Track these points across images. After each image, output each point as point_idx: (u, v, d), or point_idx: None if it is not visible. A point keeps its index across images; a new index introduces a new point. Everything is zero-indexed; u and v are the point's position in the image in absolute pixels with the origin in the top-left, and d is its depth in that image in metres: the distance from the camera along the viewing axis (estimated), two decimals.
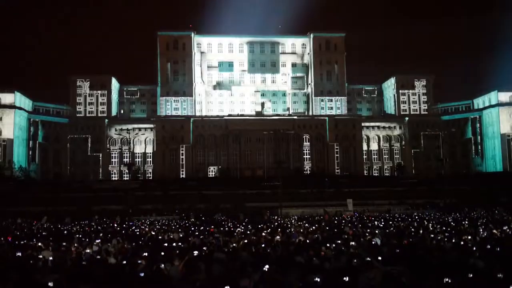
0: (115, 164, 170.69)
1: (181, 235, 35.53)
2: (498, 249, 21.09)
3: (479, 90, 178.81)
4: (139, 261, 19.37)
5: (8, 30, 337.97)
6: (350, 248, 22.75)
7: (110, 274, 16.83)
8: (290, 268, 16.78)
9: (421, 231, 34.47)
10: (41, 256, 21.64)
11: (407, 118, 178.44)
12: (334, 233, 34.93)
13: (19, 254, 22.63)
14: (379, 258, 18.41)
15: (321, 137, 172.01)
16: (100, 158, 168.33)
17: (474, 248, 21.88)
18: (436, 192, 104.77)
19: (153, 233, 40.47)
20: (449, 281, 13.18)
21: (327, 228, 41.40)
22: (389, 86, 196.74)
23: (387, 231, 35.63)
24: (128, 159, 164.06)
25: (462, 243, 25.07)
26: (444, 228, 38.08)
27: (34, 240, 32.11)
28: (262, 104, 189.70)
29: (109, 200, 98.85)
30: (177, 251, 22.04)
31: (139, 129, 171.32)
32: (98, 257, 22.36)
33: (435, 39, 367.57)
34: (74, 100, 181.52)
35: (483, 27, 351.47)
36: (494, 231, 32.89)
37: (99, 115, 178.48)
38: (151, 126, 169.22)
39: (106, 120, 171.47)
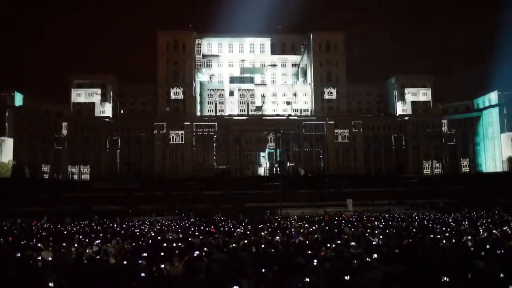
0: (115, 164, 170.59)
1: (181, 235, 35.56)
2: (498, 249, 21.08)
3: (479, 90, 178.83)
4: (139, 261, 19.39)
5: (8, 30, 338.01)
6: (350, 249, 22.74)
7: (110, 274, 16.84)
8: (290, 269, 16.79)
9: (421, 231, 34.48)
10: (40, 258, 21.60)
11: (407, 118, 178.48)
12: (334, 233, 34.93)
13: (19, 254, 22.63)
14: (379, 258, 18.42)
15: (321, 137, 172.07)
16: (100, 158, 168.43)
17: (474, 249, 21.88)
18: (436, 192, 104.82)
19: (153, 233, 40.51)
20: (449, 280, 13.19)
21: (327, 228, 41.40)
22: (389, 86, 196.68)
23: (387, 231, 35.61)
24: (128, 159, 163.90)
25: (462, 243, 25.08)
26: (444, 228, 38.09)
27: (34, 240, 32.11)
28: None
29: (109, 200, 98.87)
30: (177, 251, 22.04)
31: (139, 129, 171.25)
32: (98, 257, 22.37)
33: (435, 39, 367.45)
34: (74, 100, 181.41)
35: (483, 27, 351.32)
36: (494, 231, 32.90)
37: (100, 115, 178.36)
38: (151, 126, 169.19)
39: (106, 120, 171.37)
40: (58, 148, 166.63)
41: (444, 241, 26.30)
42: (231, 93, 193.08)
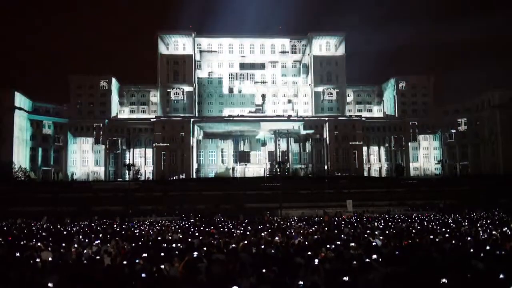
0: (115, 164, 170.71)
1: (181, 236, 35.56)
2: (498, 250, 21.09)
3: (479, 91, 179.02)
4: (138, 261, 19.41)
5: (8, 30, 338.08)
6: (350, 249, 22.74)
7: (110, 275, 16.84)
8: (290, 269, 16.80)
9: (421, 232, 34.46)
10: (38, 260, 21.55)
11: (407, 118, 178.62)
12: (333, 234, 34.91)
13: (19, 254, 22.63)
14: (379, 259, 18.41)
15: (321, 138, 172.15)
16: (100, 159, 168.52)
17: (474, 249, 21.86)
18: (436, 193, 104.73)
19: (153, 233, 40.50)
20: (448, 281, 13.20)
21: (327, 229, 41.38)
22: (389, 86, 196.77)
23: (387, 232, 35.58)
24: (128, 160, 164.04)
25: (461, 244, 25.08)
26: (444, 229, 38.07)
27: (34, 240, 32.07)
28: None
29: (109, 200, 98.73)
30: (177, 252, 22.05)
31: (139, 129, 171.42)
32: (98, 257, 22.36)
33: (435, 39, 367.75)
34: (74, 100, 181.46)
35: (483, 27, 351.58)
36: (494, 232, 32.89)
37: (99, 115, 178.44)
38: (151, 126, 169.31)
39: (106, 121, 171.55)
40: (58, 148, 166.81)
41: (444, 242, 26.30)
42: (231, 93, 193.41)
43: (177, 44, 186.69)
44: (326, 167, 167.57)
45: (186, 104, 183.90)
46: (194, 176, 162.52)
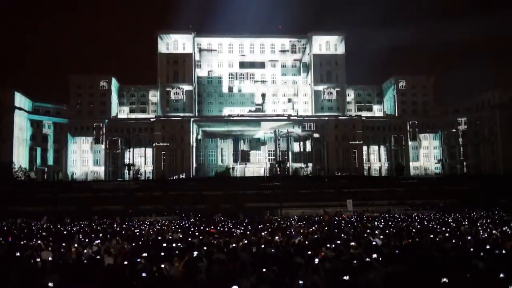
0: (115, 164, 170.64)
1: (181, 236, 35.57)
2: (498, 249, 21.08)
3: (479, 91, 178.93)
4: (139, 260, 19.41)
5: (8, 30, 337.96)
6: (350, 249, 22.73)
7: (110, 275, 16.84)
8: (290, 269, 16.79)
9: (421, 232, 34.47)
10: (39, 259, 21.54)
11: (407, 118, 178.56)
12: (334, 233, 34.92)
13: (19, 254, 22.63)
14: (379, 258, 18.40)
15: (321, 137, 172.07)
16: (100, 158, 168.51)
17: (474, 249, 21.86)
18: (436, 192, 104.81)
19: (153, 233, 40.52)
20: (449, 281, 13.20)
21: (327, 228, 41.39)
22: (389, 86, 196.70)
23: (387, 231, 35.57)
24: (128, 159, 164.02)
25: (462, 243, 25.08)
26: (444, 228, 38.08)
27: (34, 240, 32.07)
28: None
29: (109, 200, 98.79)
30: (177, 252, 22.04)
31: (139, 129, 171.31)
32: (98, 257, 22.36)
33: (435, 39, 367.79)
34: (74, 100, 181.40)
35: (483, 27, 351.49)
36: (494, 231, 32.90)
37: (99, 115, 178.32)
38: (151, 126, 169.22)
39: (106, 120, 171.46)
40: (58, 148, 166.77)
41: (444, 241, 26.29)
42: (231, 92, 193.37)
43: (177, 44, 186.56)
44: (325, 166, 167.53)
45: (185, 103, 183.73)
46: (194, 176, 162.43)
